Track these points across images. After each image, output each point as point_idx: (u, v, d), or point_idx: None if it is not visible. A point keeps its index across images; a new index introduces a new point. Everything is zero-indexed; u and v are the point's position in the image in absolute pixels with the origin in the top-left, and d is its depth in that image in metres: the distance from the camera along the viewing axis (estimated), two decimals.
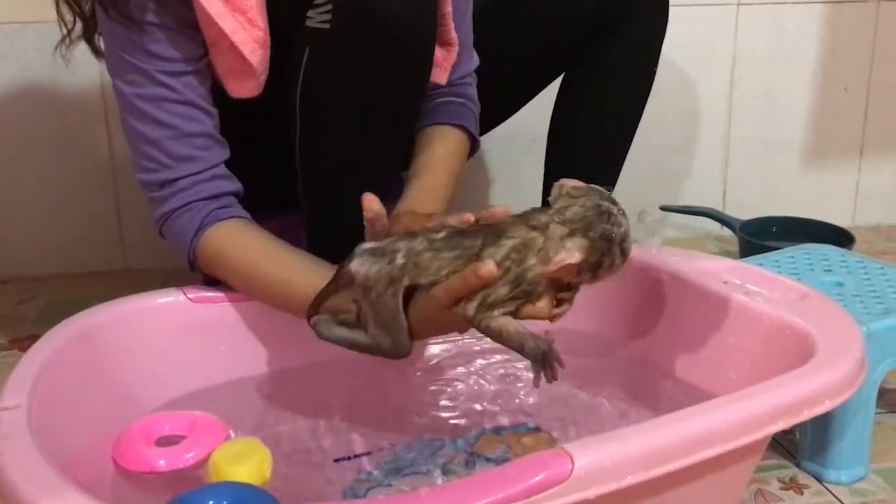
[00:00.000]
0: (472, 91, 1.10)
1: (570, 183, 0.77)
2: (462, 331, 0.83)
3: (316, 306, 0.83)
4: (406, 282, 0.77)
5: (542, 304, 0.76)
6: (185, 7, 0.89)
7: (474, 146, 1.09)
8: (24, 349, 1.22)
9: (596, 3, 1.13)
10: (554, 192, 0.77)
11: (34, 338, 0.84)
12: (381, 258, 0.77)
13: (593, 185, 0.76)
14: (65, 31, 0.96)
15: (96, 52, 0.96)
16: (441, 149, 1.03)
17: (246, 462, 0.78)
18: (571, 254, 0.72)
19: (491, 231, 0.76)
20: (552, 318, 0.77)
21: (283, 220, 1.10)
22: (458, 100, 1.07)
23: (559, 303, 0.77)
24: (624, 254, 0.74)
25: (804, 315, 0.83)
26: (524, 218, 0.76)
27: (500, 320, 0.74)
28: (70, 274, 1.54)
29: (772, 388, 0.70)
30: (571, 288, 0.77)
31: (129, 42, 0.90)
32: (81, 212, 1.54)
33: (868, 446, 0.93)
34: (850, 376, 0.73)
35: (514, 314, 0.75)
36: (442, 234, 0.77)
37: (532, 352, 0.74)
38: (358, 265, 0.77)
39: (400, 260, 0.76)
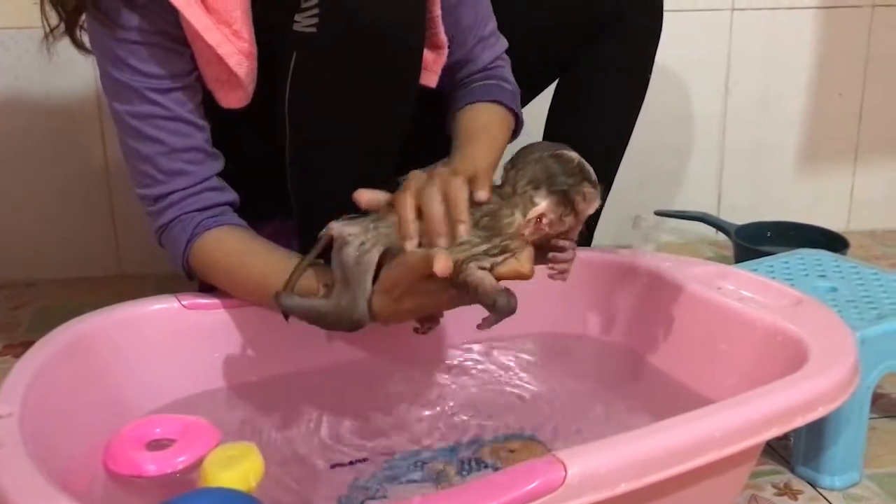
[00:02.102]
0: (505, 72, 1.10)
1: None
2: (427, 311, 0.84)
3: (295, 279, 0.84)
4: (382, 244, 0.79)
5: (524, 260, 0.78)
6: (172, 23, 0.90)
7: (518, 122, 1.09)
8: (17, 355, 1.22)
9: (590, 8, 1.14)
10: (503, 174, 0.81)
11: (28, 344, 0.83)
12: (360, 222, 0.81)
13: (531, 144, 0.81)
14: (48, 28, 0.95)
15: (78, 45, 0.96)
16: (478, 121, 1.03)
17: (234, 467, 0.78)
18: (543, 207, 0.77)
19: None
20: (559, 273, 0.81)
21: (278, 225, 1.10)
22: (491, 81, 1.08)
23: (556, 260, 0.81)
24: (590, 182, 0.78)
25: (798, 321, 0.83)
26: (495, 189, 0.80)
27: (478, 274, 0.77)
28: (64, 279, 1.54)
29: (765, 394, 0.70)
30: (562, 248, 0.80)
31: (118, 61, 0.91)
32: (76, 217, 1.54)
33: (862, 452, 0.93)
34: (844, 382, 0.73)
35: (492, 271, 0.78)
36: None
37: (503, 308, 0.77)
38: (339, 226, 0.81)
39: (371, 224, 0.80)
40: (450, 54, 1.04)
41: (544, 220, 0.77)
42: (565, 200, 0.77)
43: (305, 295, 0.84)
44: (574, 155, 0.79)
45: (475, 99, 1.05)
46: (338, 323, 0.81)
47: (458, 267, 0.76)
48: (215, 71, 0.93)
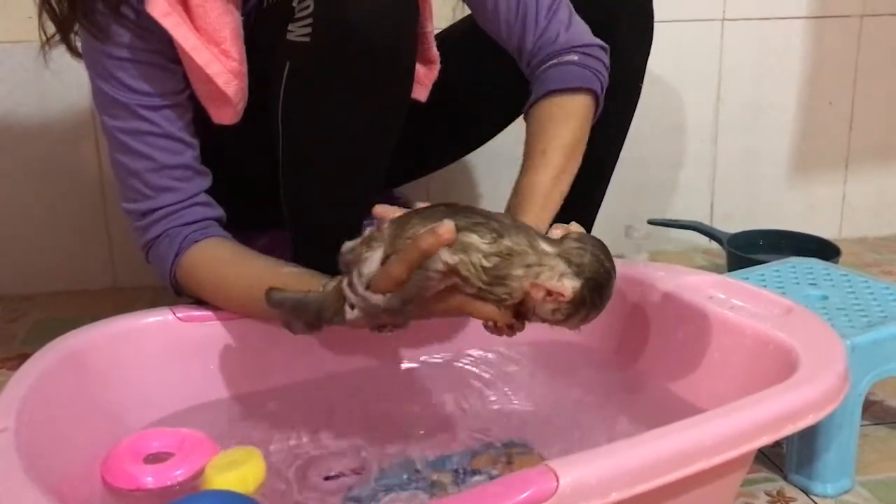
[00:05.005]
0: (562, 40, 0.99)
1: (576, 228, 0.81)
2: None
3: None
4: (386, 250, 0.77)
5: (506, 313, 0.77)
6: (164, 41, 0.91)
7: (595, 94, 0.99)
8: (12, 368, 1.23)
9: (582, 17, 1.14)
10: (558, 231, 0.80)
11: (23, 356, 0.84)
12: (382, 230, 0.79)
13: (598, 238, 0.79)
14: (44, 37, 0.96)
15: (72, 50, 0.97)
16: (536, 128, 0.96)
17: (234, 470, 0.80)
18: (565, 290, 0.75)
19: (489, 223, 0.76)
20: (500, 331, 0.79)
21: (274, 235, 1.10)
22: (549, 62, 0.99)
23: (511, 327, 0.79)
24: (598, 312, 0.78)
25: (788, 330, 0.83)
26: (526, 231, 0.77)
27: (418, 278, 0.74)
28: (59, 292, 1.54)
29: (755, 403, 0.70)
30: (525, 319, 0.79)
31: (110, 77, 0.92)
32: (71, 230, 1.54)
33: (854, 459, 0.94)
34: (833, 390, 0.74)
35: (471, 305, 0.77)
36: (441, 208, 0.78)
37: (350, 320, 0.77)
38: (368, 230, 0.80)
39: (387, 228, 0.79)
40: (506, 44, 1.02)
41: (551, 298, 0.75)
42: (576, 305, 0.76)
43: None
44: (613, 282, 0.78)
45: (538, 98, 0.98)
46: (319, 313, 0.79)
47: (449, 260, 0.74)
48: (206, 89, 0.94)
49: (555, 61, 0.99)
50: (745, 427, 0.68)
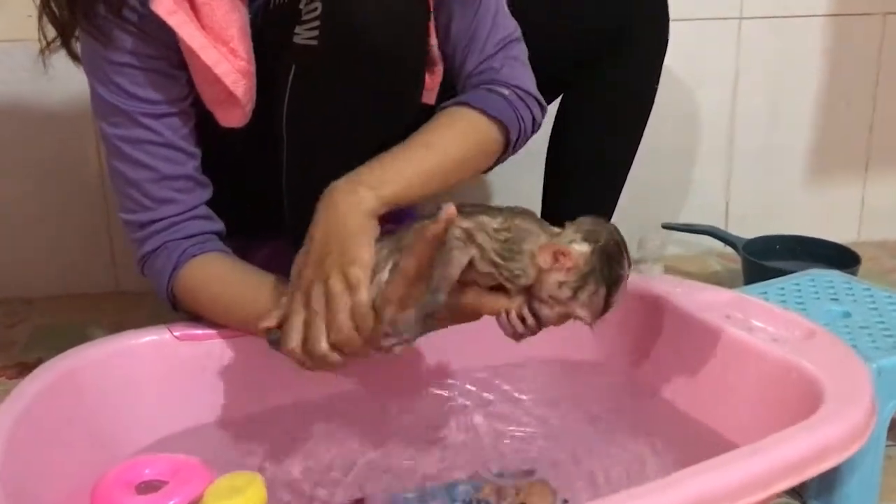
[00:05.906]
0: (503, 74, 0.97)
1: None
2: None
3: None
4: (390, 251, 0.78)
5: (517, 302, 0.76)
6: (168, 45, 0.89)
7: (507, 134, 0.94)
8: (11, 377, 1.21)
9: (597, 23, 1.12)
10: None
11: (22, 365, 0.81)
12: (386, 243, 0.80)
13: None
14: (44, 41, 0.93)
15: (72, 55, 0.94)
16: (428, 126, 0.91)
17: (235, 497, 0.76)
18: (572, 251, 0.74)
19: (496, 209, 0.77)
20: (516, 333, 0.78)
21: (275, 245, 1.08)
22: (483, 86, 0.97)
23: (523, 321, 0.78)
24: (609, 290, 0.75)
25: (811, 357, 0.80)
26: (534, 217, 0.78)
27: (456, 253, 0.74)
28: (60, 295, 1.52)
29: (778, 443, 0.67)
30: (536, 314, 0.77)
31: (111, 84, 0.90)
32: (72, 233, 1.52)
33: (878, 485, 0.91)
34: (860, 427, 0.71)
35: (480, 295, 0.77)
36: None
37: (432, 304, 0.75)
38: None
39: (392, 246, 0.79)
40: (447, 67, 1.01)
41: (559, 262, 0.74)
42: (584, 275, 0.74)
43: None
44: (626, 262, 0.77)
45: (451, 103, 0.95)
46: None
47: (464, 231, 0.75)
48: (213, 90, 0.91)
49: (489, 87, 0.96)
50: (769, 470, 0.65)
